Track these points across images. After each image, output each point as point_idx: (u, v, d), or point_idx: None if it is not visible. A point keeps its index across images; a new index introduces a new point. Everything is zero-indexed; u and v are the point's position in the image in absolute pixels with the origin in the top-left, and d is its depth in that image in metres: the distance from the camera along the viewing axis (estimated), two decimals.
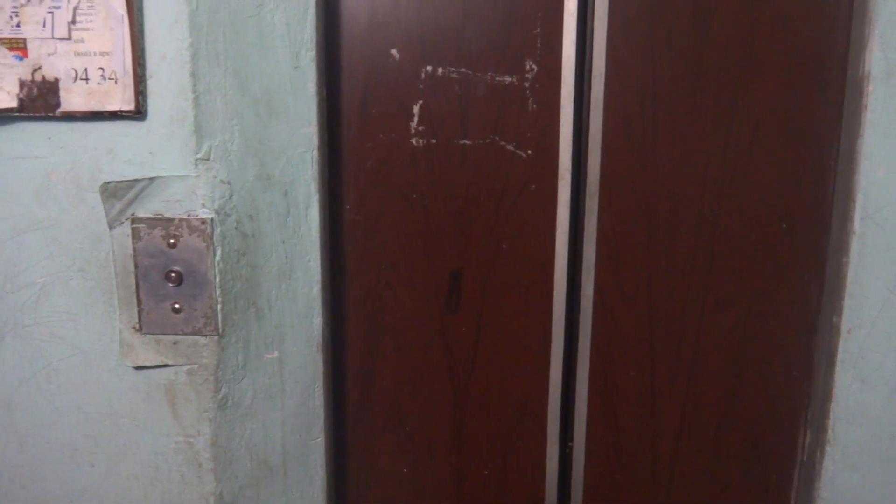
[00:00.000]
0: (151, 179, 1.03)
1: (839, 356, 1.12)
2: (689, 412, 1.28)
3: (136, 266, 1.06)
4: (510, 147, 1.21)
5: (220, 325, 1.06)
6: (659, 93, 1.17)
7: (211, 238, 1.04)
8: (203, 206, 1.04)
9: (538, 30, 1.16)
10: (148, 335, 1.08)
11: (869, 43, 1.03)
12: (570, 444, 1.33)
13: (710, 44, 1.15)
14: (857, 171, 1.06)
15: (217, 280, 1.05)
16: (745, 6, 1.14)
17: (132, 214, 1.05)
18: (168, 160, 1.03)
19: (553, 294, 1.26)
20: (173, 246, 1.04)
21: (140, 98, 1.00)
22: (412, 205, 1.23)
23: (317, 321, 1.18)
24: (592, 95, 1.18)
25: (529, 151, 1.21)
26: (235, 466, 1.14)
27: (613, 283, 1.24)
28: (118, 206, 1.04)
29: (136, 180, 1.03)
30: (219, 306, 1.06)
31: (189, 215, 1.04)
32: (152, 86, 1.01)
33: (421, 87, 1.19)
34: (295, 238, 1.13)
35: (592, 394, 1.30)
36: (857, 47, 1.08)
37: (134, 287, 1.06)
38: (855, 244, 1.07)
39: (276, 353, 1.15)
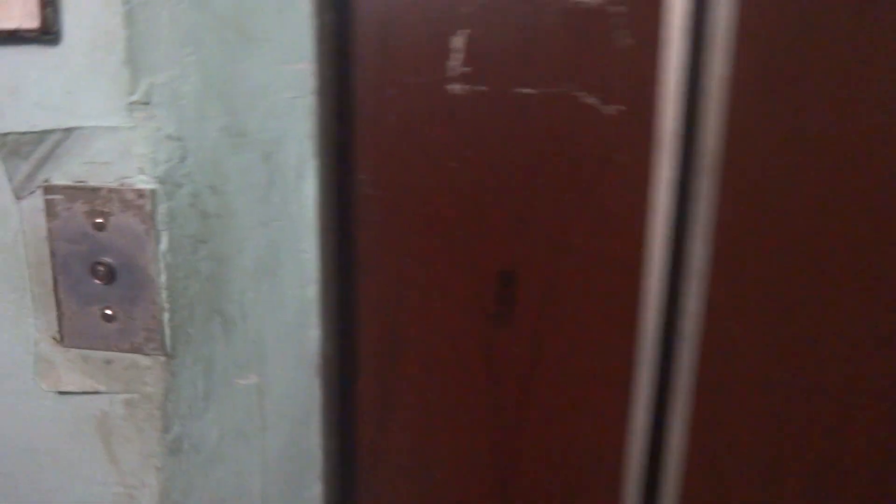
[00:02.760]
0: (68, 131, 0.72)
1: None
2: (829, 489, 0.90)
3: (51, 254, 0.75)
4: (590, 100, 0.85)
5: (167, 340, 0.75)
6: (814, 26, 0.78)
7: (152, 218, 0.72)
8: (141, 171, 0.72)
9: None
10: (72, 349, 0.78)
11: None
12: None
13: None
14: None
15: (163, 278, 0.73)
16: None
17: (45, 181, 0.74)
18: (92, 103, 0.71)
19: (642, 309, 0.90)
20: (101, 227, 0.73)
21: (48, 12, 0.68)
22: (450, 177, 0.89)
23: (313, 333, 0.85)
24: (713, 27, 0.80)
25: (618, 107, 0.84)
26: None
27: (730, 297, 0.87)
28: (24, 167, 0.73)
29: (48, 131, 0.72)
30: (165, 315, 0.74)
31: (122, 184, 0.72)
32: None
33: (466, 10, 0.84)
34: (282, 219, 0.81)
35: (693, 450, 0.94)
36: None
37: (51, 283, 0.76)
38: None
39: (253, 378, 0.83)
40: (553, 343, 0.93)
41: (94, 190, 0.73)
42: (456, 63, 0.85)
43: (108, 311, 0.76)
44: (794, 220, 0.83)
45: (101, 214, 0.73)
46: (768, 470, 0.91)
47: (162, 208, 0.73)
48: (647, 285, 0.88)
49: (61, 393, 0.79)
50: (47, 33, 0.69)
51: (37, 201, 0.74)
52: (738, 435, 0.91)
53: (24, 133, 0.72)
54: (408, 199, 0.90)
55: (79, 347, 0.77)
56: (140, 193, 0.72)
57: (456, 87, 0.85)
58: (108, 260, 0.74)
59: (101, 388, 0.78)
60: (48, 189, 0.73)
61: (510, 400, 0.95)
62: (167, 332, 0.76)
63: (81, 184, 0.73)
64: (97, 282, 0.75)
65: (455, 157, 0.87)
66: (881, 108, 0.78)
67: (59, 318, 0.77)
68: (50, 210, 0.74)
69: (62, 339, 0.77)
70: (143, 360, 0.77)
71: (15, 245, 0.76)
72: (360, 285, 0.93)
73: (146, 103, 0.70)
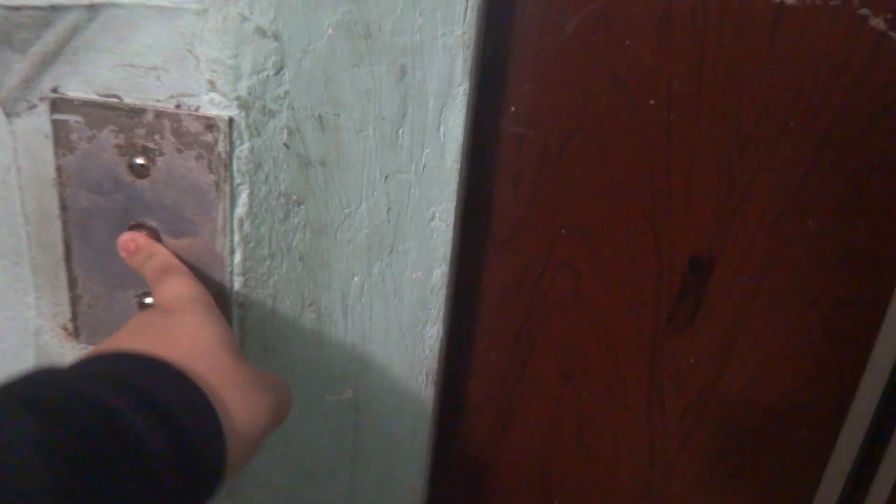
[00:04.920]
0: (94, 8, 0.43)
1: None
2: None
3: (62, 206, 0.47)
4: (875, 20, 0.56)
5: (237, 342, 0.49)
6: None
7: (226, 164, 0.44)
8: (212, 86, 0.43)
9: None
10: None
11: None
12: None
13: None
14: None
15: (236, 257, 0.46)
16: None
17: (53, 90, 0.45)
18: None
19: (888, 318, 0.64)
20: (142, 172, 0.45)
21: None
22: (643, 118, 0.60)
23: (432, 331, 0.59)
24: None
25: None
26: None
27: None
28: (20, 66, 0.45)
29: (58, 7, 0.43)
30: (235, 312, 0.48)
31: (179, 106, 0.44)
32: None
33: None
34: (411, 170, 0.53)
35: None
36: None
37: (61, 248, 0.49)
38: None
39: (348, 393, 0.58)
40: (745, 359, 0.67)
41: (135, 111, 0.44)
42: None
43: (149, 300, 0.49)
44: None
45: (144, 152, 0.45)
46: None
47: (242, 149, 0.45)
48: None
49: None
50: None
51: (39, 122, 0.46)
52: None
53: (18, 8, 0.43)
54: (575, 143, 0.62)
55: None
56: (209, 123, 0.44)
57: None
58: (151, 224, 0.47)
59: None
60: (57, 104, 0.45)
61: (673, 430, 0.71)
62: (236, 330, 0.49)
63: (113, 99, 0.45)
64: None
65: (658, 90, 0.59)
66: None
67: (73, 301, 0.50)
68: (60, 137, 0.46)
69: (77, 332, 0.51)
70: None
71: (5, 187, 0.49)
72: (493, 259, 0.66)
73: None
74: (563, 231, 0.65)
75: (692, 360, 0.68)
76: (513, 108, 0.62)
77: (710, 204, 0.63)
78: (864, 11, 0.56)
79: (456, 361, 0.70)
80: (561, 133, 0.62)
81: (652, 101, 0.60)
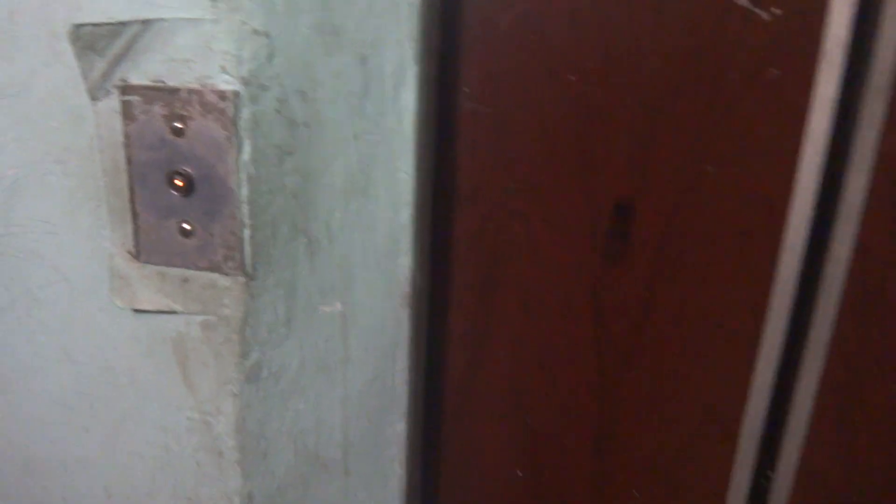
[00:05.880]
0: (147, 23, 0.64)
1: None
2: None
3: (128, 161, 0.68)
4: (742, 1, 0.72)
5: (247, 260, 0.68)
6: None
7: (235, 124, 0.64)
8: (223, 70, 0.64)
9: None
10: (148, 265, 0.72)
11: None
12: (769, 472, 0.88)
13: None
14: None
15: (244, 191, 0.66)
16: None
17: (122, 80, 0.66)
18: None
19: (782, 251, 0.78)
20: (180, 133, 0.66)
21: None
22: (567, 92, 0.77)
23: (404, 261, 0.77)
24: None
25: (775, 10, 0.71)
26: (272, 460, 0.78)
27: (885, 242, 0.74)
28: (100, 64, 0.66)
29: (125, 23, 0.64)
30: (246, 232, 0.67)
31: (203, 85, 0.64)
32: None
33: None
34: (377, 132, 0.72)
35: (821, 407, 0.83)
36: None
37: (127, 193, 0.70)
38: None
39: (337, 306, 0.76)
40: (670, 285, 0.82)
41: (173, 91, 0.65)
42: None
43: (186, 226, 0.69)
44: None
45: (180, 118, 0.66)
46: None
47: (245, 113, 0.65)
48: (790, 224, 0.75)
49: (137, 311, 0.74)
50: None
51: (113, 103, 0.67)
52: (878, 391, 0.79)
53: (99, 25, 0.64)
54: (517, 115, 0.79)
55: (155, 264, 0.72)
56: (222, 95, 0.64)
57: None
58: (186, 169, 0.67)
59: (178, 307, 0.72)
60: (125, 89, 0.66)
61: (617, 345, 0.86)
62: (248, 250, 0.69)
63: (160, 84, 0.66)
64: (175, 193, 0.68)
65: (575, 68, 0.76)
66: None
67: (135, 231, 0.71)
68: (127, 112, 0.67)
69: (138, 254, 0.72)
70: (221, 279, 0.70)
71: (90, 151, 0.70)
72: (458, 211, 0.84)
73: None
74: (514, 186, 0.82)
75: (627, 289, 0.84)
76: (466, 89, 0.80)
77: (626, 159, 0.79)
78: None
79: (435, 298, 0.87)
80: (507, 107, 0.80)
81: (572, 77, 0.77)
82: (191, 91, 0.65)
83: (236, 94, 0.64)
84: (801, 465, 0.85)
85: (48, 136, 0.72)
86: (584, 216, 0.81)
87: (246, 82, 0.64)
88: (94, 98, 0.68)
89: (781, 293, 0.79)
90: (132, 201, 0.70)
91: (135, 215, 0.70)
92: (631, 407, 0.87)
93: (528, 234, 0.84)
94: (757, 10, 0.71)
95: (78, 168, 0.71)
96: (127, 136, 0.68)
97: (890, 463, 0.82)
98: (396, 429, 0.86)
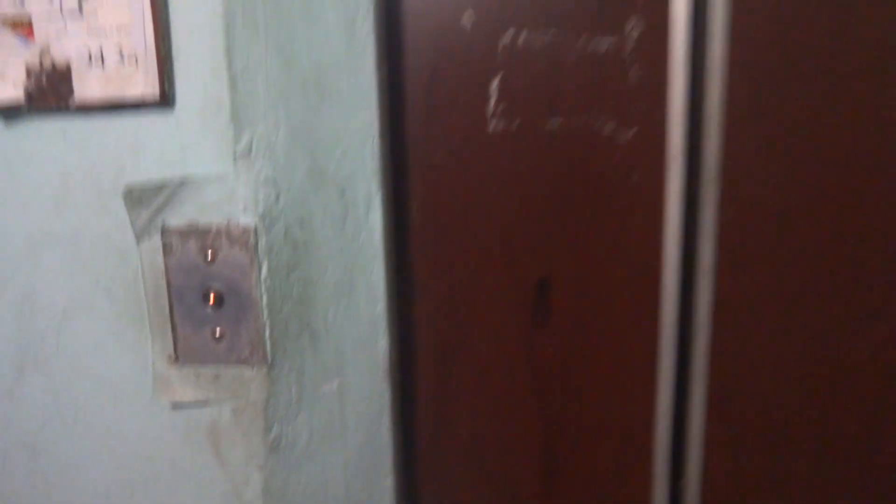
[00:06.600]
0: (183, 181, 0.86)
1: None
2: (827, 443, 1.05)
3: (168, 285, 0.88)
4: (608, 128, 1.00)
5: (268, 353, 0.88)
6: (794, 59, 0.94)
7: (255, 249, 0.86)
8: (244, 210, 0.86)
9: None
10: (185, 367, 0.91)
11: None
12: (681, 480, 1.12)
13: (855, 7, 0.92)
14: None
15: (264, 300, 0.87)
16: None
17: (162, 224, 0.87)
18: (201, 156, 0.85)
19: (661, 303, 1.04)
20: (211, 260, 0.87)
21: (165, 82, 0.82)
22: (490, 203, 1.03)
23: (382, 343, 0.99)
24: (709, 61, 0.96)
25: (632, 132, 1.00)
26: None
27: (736, 289, 1.02)
28: (145, 213, 0.87)
29: (166, 182, 0.86)
30: (266, 331, 0.88)
31: (229, 222, 0.86)
32: (180, 67, 0.83)
33: (499, 58, 0.99)
34: (355, 246, 0.94)
35: (710, 421, 1.08)
36: None
37: (167, 310, 0.89)
38: None
39: (335, 384, 0.96)
40: (586, 339, 1.07)
41: (206, 229, 0.86)
42: (492, 104, 1.00)
43: (218, 332, 0.89)
44: (788, 221, 0.98)
45: (212, 249, 0.87)
46: (777, 431, 1.05)
47: (262, 241, 0.87)
48: (665, 284, 1.03)
49: (175, 406, 0.92)
50: (164, 100, 0.83)
51: (155, 242, 0.88)
52: (749, 403, 1.05)
53: (145, 184, 0.86)
54: (455, 224, 1.04)
55: (192, 364, 0.90)
56: (244, 229, 0.86)
57: (493, 125, 1.00)
58: (217, 287, 0.88)
59: (212, 398, 0.91)
60: (165, 231, 0.87)
61: (551, 391, 1.09)
62: (268, 345, 0.89)
63: (193, 224, 0.87)
64: (209, 307, 0.88)
65: (494, 186, 1.02)
66: (847, 132, 0.94)
67: (175, 340, 0.90)
68: (167, 248, 0.87)
69: (177, 358, 0.90)
70: (247, 371, 0.90)
71: (135, 281, 0.90)
72: (418, 301, 1.06)
73: (248, 153, 0.85)
74: (459, 276, 1.06)
75: (553, 346, 1.08)
76: (415, 207, 1.04)
77: (541, 247, 1.04)
78: (599, 125, 1.00)
79: (406, 370, 1.09)
80: (449, 220, 1.04)
81: (492, 192, 1.03)
82: (219, 228, 0.86)
83: (255, 227, 0.86)
84: (704, 470, 1.09)
85: (97, 271, 0.91)
86: (512, 294, 1.06)
87: (261, 218, 0.87)
88: (139, 239, 0.88)
89: (667, 336, 1.05)
90: (172, 316, 0.89)
91: (174, 327, 0.90)
92: (567, 441, 1.10)
93: (473, 312, 1.07)
94: (618, 133, 1.00)
95: (124, 295, 0.91)
96: (167, 266, 0.88)
97: (771, 455, 1.08)
98: (385, 483, 1.04)
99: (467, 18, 0.97)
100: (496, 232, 1.04)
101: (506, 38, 0.97)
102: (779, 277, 1.00)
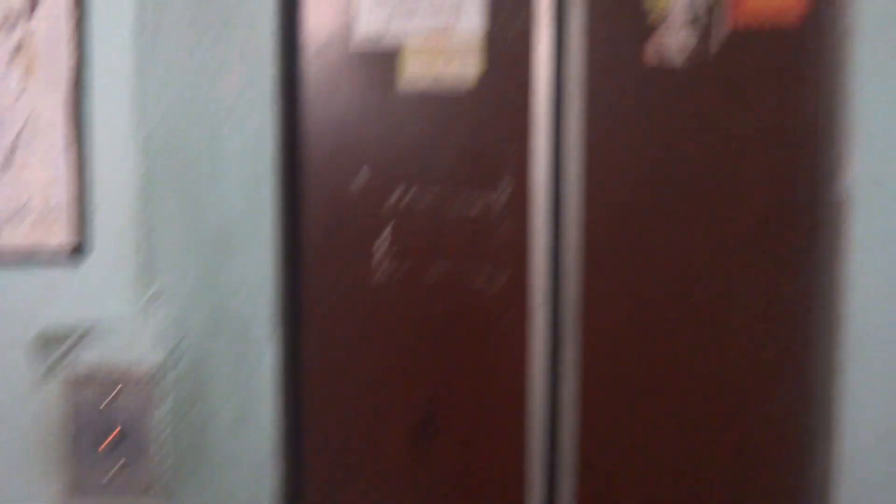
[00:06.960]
0: (93, 325, 0.93)
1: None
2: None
3: (71, 423, 0.93)
4: (482, 275, 1.15)
5: (167, 486, 0.93)
6: (638, 212, 1.14)
7: (159, 387, 0.92)
8: (151, 351, 0.93)
9: (511, 150, 1.14)
10: (87, 500, 0.94)
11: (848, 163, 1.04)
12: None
13: (688, 164, 1.14)
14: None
15: (163, 437, 0.93)
16: (722, 124, 1.13)
17: (68, 367, 0.93)
18: (113, 302, 0.93)
19: (527, 429, 1.17)
20: (114, 398, 0.93)
21: (84, 234, 0.91)
22: (377, 342, 1.15)
23: (274, 476, 1.05)
24: (567, 219, 1.14)
25: (502, 279, 1.15)
26: None
27: (599, 418, 1.17)
28: (53, 357, 0.93)
29: (75, 328, 0.92)
30: (166, 465, 0.93)
31: (134, 362, 0.93)
32: (98, 219, 0.92)
33: (387, 215, 1.13)
34: (250, 385, 1.03)
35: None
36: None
37: (69, 446, 0.93)
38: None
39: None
40: (467, 466, 1.17)
41: (110, 369, 0.93)
42: (377, 257, 1.14)
43: (118, 466, 0.93)
44: (639, 358, 1.15)
45: (117, 388, 0.93)
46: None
47: (166, 379, 0.94)
48: (532, 411, 1.16)
49: None
50: (81, 249, 0.91)
51: (60, 383, 0.93)
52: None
53: (55, 331, 0.92)
54: (346, 370, 1.14)
55: (92, 497, 0.94)
56: (149, 368, 0.93)
57: (377, 276, 1.14)
58: (119, 423, 0.93)
59: None
60: (70, 373, 0.93)
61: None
62: (168, 477, 0.94)
63: (99, 365, 0.93)
64: (110, 443, 0.93)
65: (379, 330, 1.14)
66: (688, 274, 1.14)
67: (76, 475, 0.93)
68: (71, 389, 0.93)
69: (79, 491, 0.93)
70: (147, 502, 0.94)
71: (35, 425, 0.93)
72: (308, 434, 1.14)
73: (157, 298, 0.93)
74: (349, 410, 1.15)
75: (437, 473, 1.17)
76: (308, 346, 1.14)
77: (429, 387, 1.16)
78: (474, 271, 1.15)
79: (295, 491, 1.14)
80: (339, 358, 1.14)
81: (379, 333, 1.15)
82: (125, 368, 0.93)
83: (160, 366, 0.93)
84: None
85: (2, 410, 0.94)
86: (399, 424, 1.16)
87: (167, 358, 0.94)
88: (45, 381, 0.93)
89: (533, 460, 1.17)
90: (74, 452, 0.93)
91: (76, 463, 0.93)
92: None
93: (361, 444, 1.16)
94: (491, 280, 1.16)
95: (27, 434, 0.94)
96: (71, 405, 0.93)
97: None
98: None
99: (362, 176, 1.12)
100: (383, 368, 1.15)
101: (394, 197, 1.12)
102: (639, 404, 1.16)
